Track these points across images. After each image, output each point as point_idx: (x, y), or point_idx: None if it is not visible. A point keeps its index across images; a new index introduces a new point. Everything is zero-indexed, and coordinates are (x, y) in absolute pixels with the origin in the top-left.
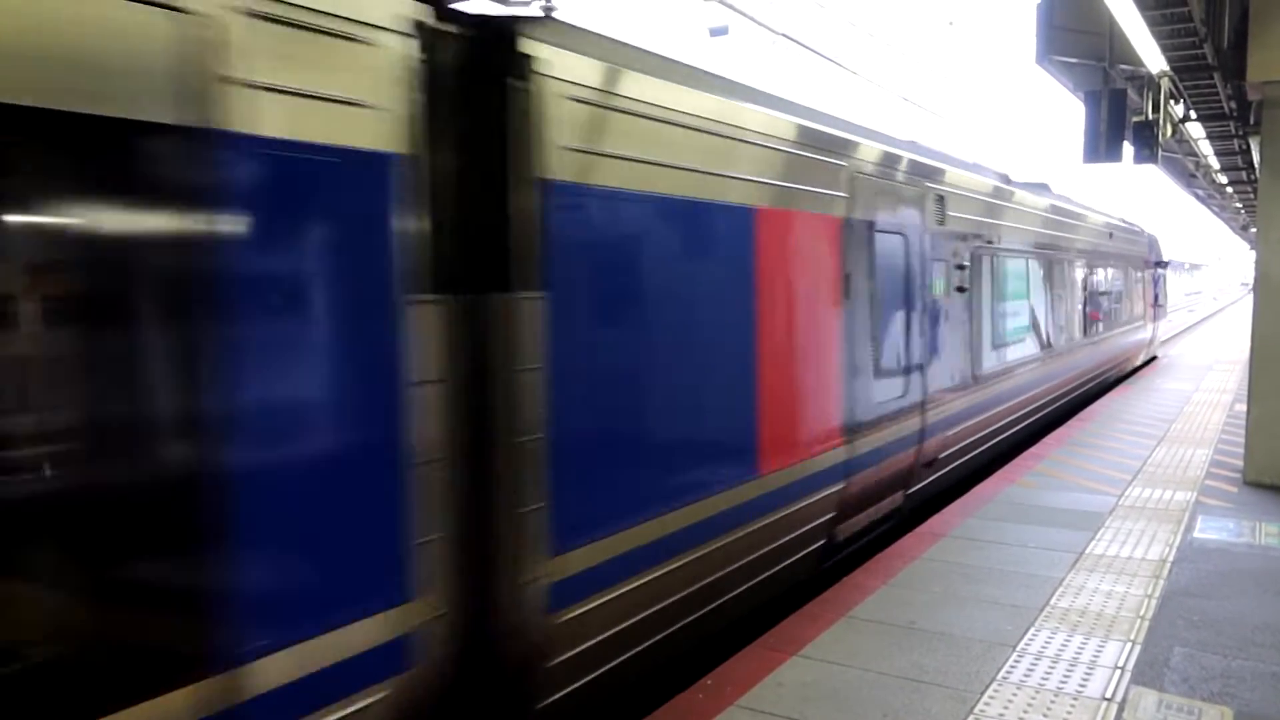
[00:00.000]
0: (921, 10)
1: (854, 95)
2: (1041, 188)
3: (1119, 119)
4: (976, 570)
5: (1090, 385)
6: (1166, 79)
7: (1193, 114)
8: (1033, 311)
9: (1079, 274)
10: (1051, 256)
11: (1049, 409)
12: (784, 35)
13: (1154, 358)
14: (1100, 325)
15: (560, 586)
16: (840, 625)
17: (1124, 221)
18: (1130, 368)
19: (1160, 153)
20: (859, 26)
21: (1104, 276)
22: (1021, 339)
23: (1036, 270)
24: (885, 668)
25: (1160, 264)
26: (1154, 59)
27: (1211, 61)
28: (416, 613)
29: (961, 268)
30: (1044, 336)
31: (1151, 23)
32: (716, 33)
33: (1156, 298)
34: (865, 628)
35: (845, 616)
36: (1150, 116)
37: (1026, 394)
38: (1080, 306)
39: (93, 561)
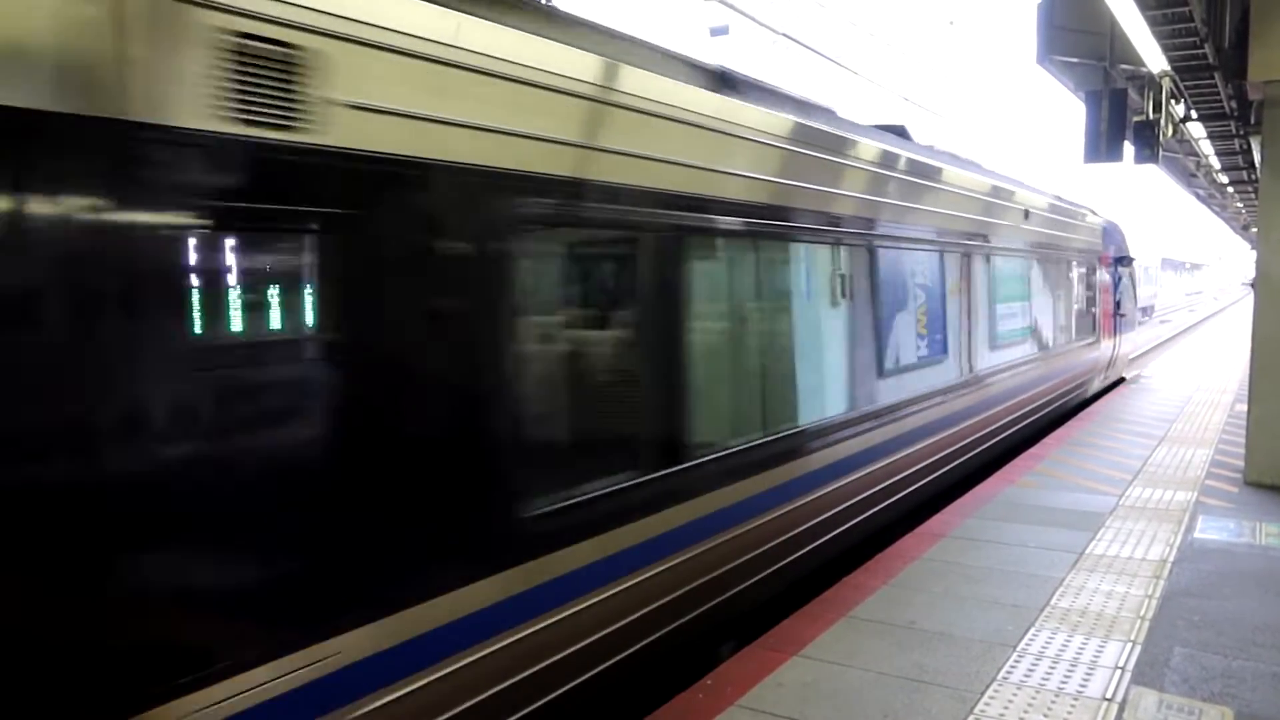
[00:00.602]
0: (922, 10)
1: (856, 94)
2: (891, 133)
3: (1120, 119)
4: (977, 570)
5: (995, 439)
6: (1167, 79)
7: (1193, 114)
8: (834, 344)
9: (963, 273)
10: (882, 244)
11: (883, 507)
12: (784, 35)
13: (1120, 380)
14: (1014, 348)
15: None
16: (840, 625)
17: (1060, 200)
18: (1077, 400)
19: (1161, 152)
20: (859, 26)
21: (1021, 276)
22: (819, 398)
23: (836, 267)
24: (886, 668)
25: (1122, 260)
26: (1155, 59)
27: (1212, 61)
28: None
29: (479, 258)
30: (864, 386)
31: (1152, 22)
32: (717, 32)
33: (1118, 305)
34: (866, 627)
35: (846, 616)
36: (1151, 116)
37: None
38: (968, 324)
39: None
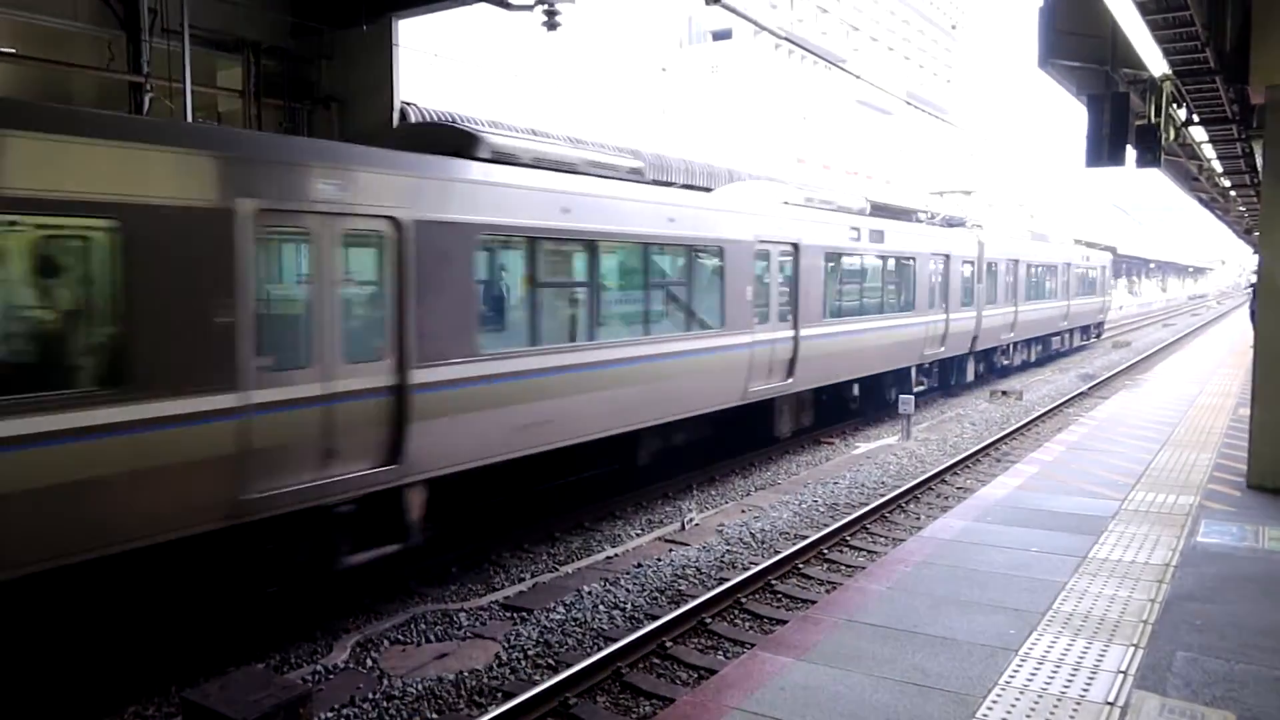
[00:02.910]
0: (926, 14)
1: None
2: None
3: (1122, 123)
4: (979, 574)
5: None
6: (1169, 82)
7: (1195, 117)
8: None
9: None
10: None
11: None
12: (787, 39)
13: None
14: None
15: None
16: (842, 629)
17: None
18: None
19: (1163, 156)
20: (861, 30)
21: None
22: None
23: None
24: (887, 672)
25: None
26: (1156, 63)
27: (1214, 65)
28: None
29: None
30: None
31: (1153, 26)
32: (720, 36)
33: None
34: (867, 631)
35: (847, 620)
36: (1153, 120)
37: None
38: None
39: None
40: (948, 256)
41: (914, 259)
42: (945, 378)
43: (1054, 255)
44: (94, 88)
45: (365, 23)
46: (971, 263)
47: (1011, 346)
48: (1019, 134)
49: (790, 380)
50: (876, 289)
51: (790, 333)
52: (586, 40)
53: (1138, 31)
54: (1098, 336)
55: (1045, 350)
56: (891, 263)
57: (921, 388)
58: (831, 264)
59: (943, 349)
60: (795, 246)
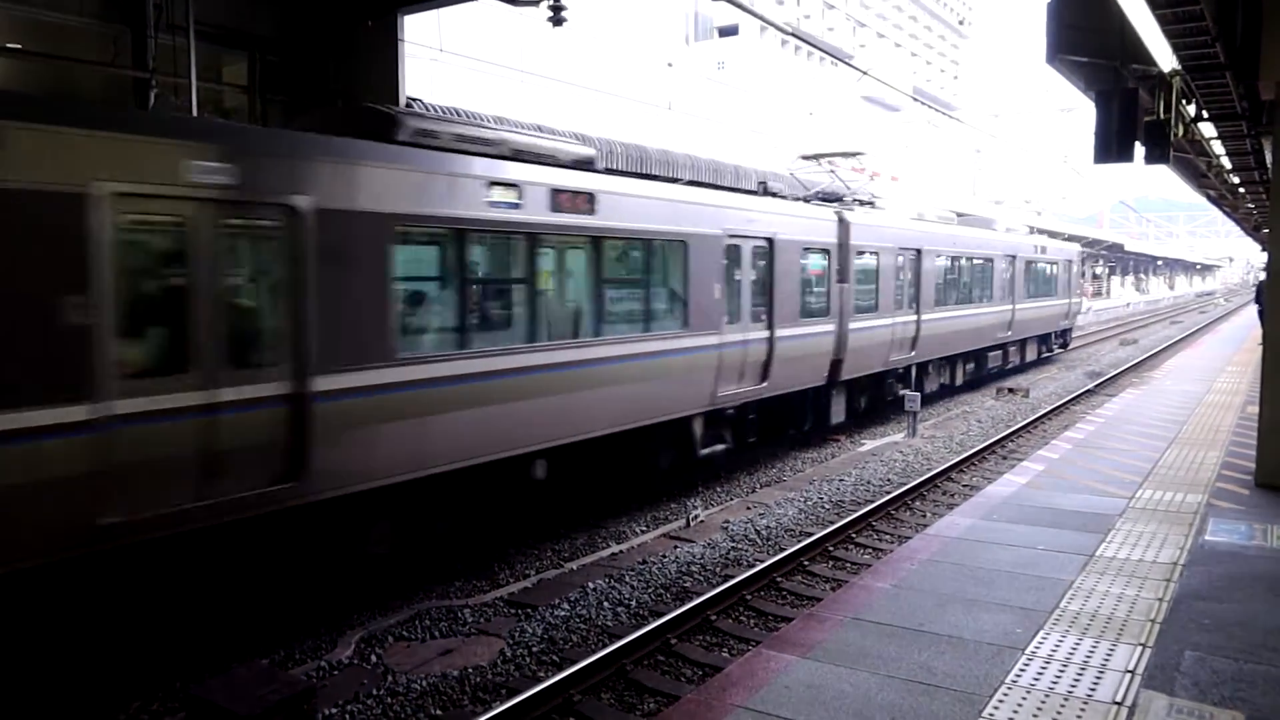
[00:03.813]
0: (933, 9)
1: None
2: None
3: (1130, 119)
4: (985, 572)
5: None
6: (1178, 78)
7: (1204, 114)
8: None
9: None
10: None
11: None
12: (794, 34)
13: None
14: None
15: None
16: (848, 627)
17: None
18: None
19: (1172, 153)
20: (868, 26)
21: None
22: None
23: None
24: (893, 670)
25: None
26: (1165, 58)
27: (1224, 61)
28: None
29: None
30: None
31: (1162, 21)
32: (726, 33)
33: None
34: (873, 629)
35: (852, 618)
36: (1162, 116)
37: None
38: None
39: None
40: (771, 241)
41: (684, 244)
42: (794, 421)
43: (989, 244)
44: (99, 84)
45: (371, 18)
46: (828, 252)
47: (914, 369)
48: (1027, 131)
49: (294, 483)
50: (579, 296)
51: (280, 388)
52: (592, 36)
53: (1147, 26)
54: (1063, 347)
55: (979, 370)
56: (624, 250)
57: (722, 446)
58: (429, 252)
59: (764, 385)
60: (292, 210)
